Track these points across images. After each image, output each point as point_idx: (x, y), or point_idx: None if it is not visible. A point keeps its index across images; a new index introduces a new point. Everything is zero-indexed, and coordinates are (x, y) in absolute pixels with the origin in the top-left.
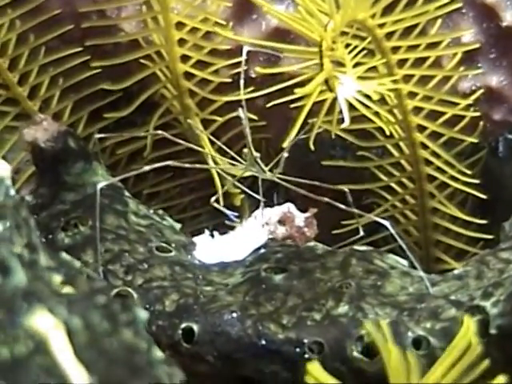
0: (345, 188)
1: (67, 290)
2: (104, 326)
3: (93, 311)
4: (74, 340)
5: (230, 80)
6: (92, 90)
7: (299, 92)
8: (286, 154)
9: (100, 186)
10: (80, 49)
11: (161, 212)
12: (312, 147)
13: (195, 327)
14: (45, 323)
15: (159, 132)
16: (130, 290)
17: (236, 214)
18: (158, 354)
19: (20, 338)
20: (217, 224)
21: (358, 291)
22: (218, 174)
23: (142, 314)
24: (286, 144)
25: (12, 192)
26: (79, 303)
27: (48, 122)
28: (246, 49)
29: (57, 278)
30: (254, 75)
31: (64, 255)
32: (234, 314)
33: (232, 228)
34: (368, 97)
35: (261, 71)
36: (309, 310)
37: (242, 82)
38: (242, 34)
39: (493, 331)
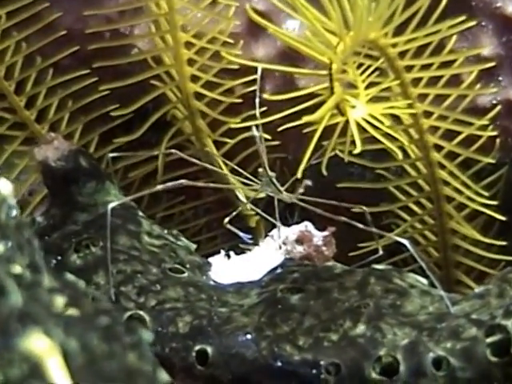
0: (364, 208)
1: (71, 311)
2: (103, 348)
3: (91, 333)
4: (71, 363)
5: (240, 100)
6: (102, 111)
7: (309, 119)
8: (309, 182)
9: (111, 205)
10: (88, 71)
11: (175, 232)
12: (325, 172)
13: (209, 349)
14: (40, 345)
15: (172, 151)
16: (142, 313)
17: (250, 236)
18: (164, 376)
19: (15, 361)
20: (233, 246)
21: (377, 311)
22: (233, 195)
23: (147, 336)
24: (301, 169)
25: (14, 212)
26: (78, 325)
27: (59, 141)
28: (260, 68)
29: (60, 300)
30: (268, 94)
31: (69, 276)
32: (249, 336)
33: (248, 249)
34: (380, 119)
35: (270, 98)
36: (326, 330)
37: (257, 101)
38: (257, 50)
39: None
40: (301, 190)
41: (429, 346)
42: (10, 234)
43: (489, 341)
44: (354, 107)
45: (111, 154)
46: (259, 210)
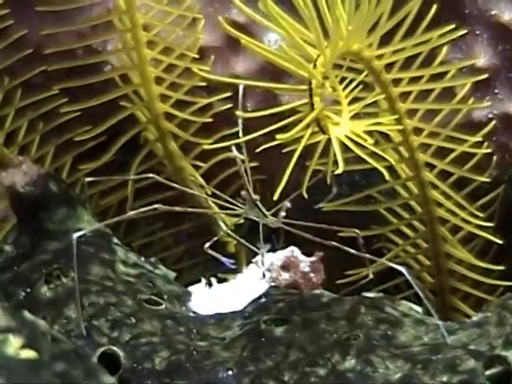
0: (357, 231)
1: (27, 353)
2: None
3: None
4: None
5: (211, 120)
6: (72, 134)
7: (284, 137)
8: (288, 204)
9: (77, 235)
10: (57, 91)
11: (153, 260)
12: (305, 195)
13: None
14: None
15: (150, 175)
16: (115, 348)
17: (232, 260)
18: None
19: None
20: (216, 273)
21: (367, 343)
22: (214, 220)
23: (109, 381)
24: (278, 191)
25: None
26: (31, 372)
27: (27, 165)
28: (241, 86)
29: (16, 341)
30: (250, 110)
31: (27, 314)
32: (230, 372)
33: (230, 277)
34: (363, 137)
35: (244, 115)
36: (312, 364)
37: (240, 120)
38: (236, 64)
39: None
40: (283, 214)
41: (423, 379)
42: None
43: (488, 373)
44: (336, 124)
45: (87, 179)
46: (239, 238)
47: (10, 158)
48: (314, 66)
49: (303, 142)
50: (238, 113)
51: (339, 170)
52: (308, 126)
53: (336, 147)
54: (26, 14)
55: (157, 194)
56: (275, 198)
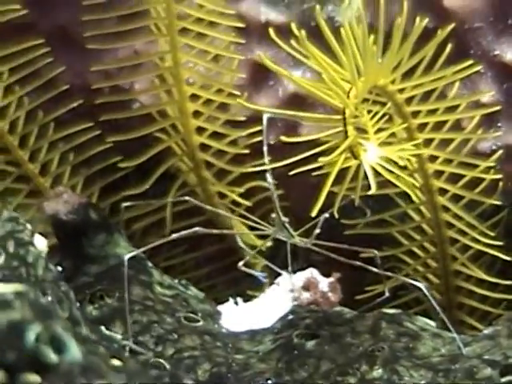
0: (375, 252)
1: (115, 363)
2: None
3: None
4: None
5: (247, 151)
6: (104, 164)
7: (324, 161)
8: (318, 230)
9: (128, 256)
10: (91, 124)
11: (184, 282)
12: (336, 215)
13: None
14: None
15: (187, 198)
16: (161, 360)
17: (265, 274)
18: None
19: None
20: (232, 294)
21: (392, 354)
22: (235, 243)
23: None
24: (317, 208)
25: (50, 266)
26: (137, 377)
27: (68, 194)
28: (266, 116)
29: (103, 352)
30: (272, 142)
31: (103, 329)
32: (269, 382)
33: (250, 297)
34: (394, 162)
35: (286, 140)
36: (343, 374)
37: (265, 148)
38: (259, 101)
39: None
40: (317, 231)
41: None
42: (47, 287)
43: (504, 380)
44: (365, 151)
45: (125, 204)
46: (266, 260)
47: (45, 188)
48: (348, 97)
49: (337, 167)
50: (282, 138)
51: (371, 192)
52: (342, 152)
53: (368, 171)
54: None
55: (186, 220)
56: (313, 214)
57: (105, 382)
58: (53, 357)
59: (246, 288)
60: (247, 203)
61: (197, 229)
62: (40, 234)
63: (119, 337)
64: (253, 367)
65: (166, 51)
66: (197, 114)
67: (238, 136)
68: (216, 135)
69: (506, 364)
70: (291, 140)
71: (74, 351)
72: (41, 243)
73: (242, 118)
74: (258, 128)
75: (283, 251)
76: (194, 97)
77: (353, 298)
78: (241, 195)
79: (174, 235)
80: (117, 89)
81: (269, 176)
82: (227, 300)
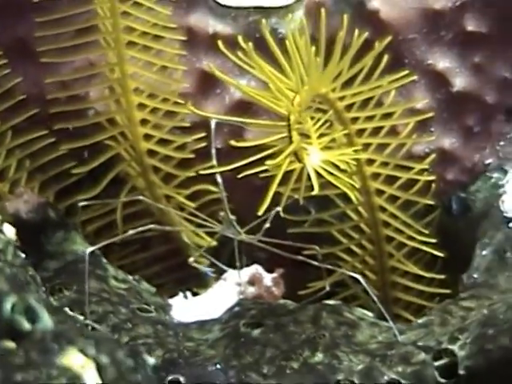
0: (317, 248)
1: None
2: (129, 362)
3: (118, 350)
4: (104, 375)
5: (192, 156)
6: (58, 170)
7: (270, 164)
8: (267, 225)
9: (89, 250)
10: (46, 132)
11: (137, 277)
12: (282, 214)
13: (182, 379)
14: (77, 361)
15: (140, 197)
16: None
17: (212, 269)
18: None
19: (55, 376)
20: (183, 289)
21: (332, 341)
22: (183, 243)
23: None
24: (263, 207)
25: (19, 252)
26: (106, 342)
27: (28, 195)
28: (213, 122)
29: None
30: (219, 147)
31: (67, 310)
32: (218, 366)
33: (198, 294)
34: (334, 165)
35: (235, 144)
36: (287, 359)
37: (213, 152)
38: (207, 108)
39: (461, 372)
40: (267, 225)
41: (382, 370)
42: (18, 272)
43: (437, 364)
44: (309, 155)
45: (81, 203)
46: (212, 258)
47: (3, 192)
48: (292, 104)
49: (282, 170)
50: (232, 142)
51: (315, 192)
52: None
53: (311, 173)
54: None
55: (135, 222)
56: (260, 213)
57: (75, 346)
58: (27, 325)
59: (194, 286)
60: (192, 205)
61: (152, 226)
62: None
63: (81, 317)
64: (203, 353)
65: (114, 63)
66: (144, 121)
67: (184, 142)
68: (163, 141)
69: (439, 349)
70: (240, 145)
71: (46, 320)
72: (9, 231)
73: (188, 125)
74: (203, 134)
75: (227, 250)
76: (142, 105)
77: (295, 293)
78: (187, 198)
79: (131, 231)
80: (71, 98)
81: (219, 178)
82: (177, 294)
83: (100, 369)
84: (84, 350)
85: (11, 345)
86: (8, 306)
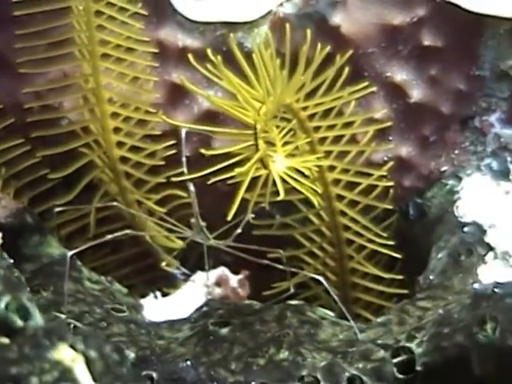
0: (281, 252)
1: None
2: (115, 357)
3: (105, 345)
4: (92, 369)
5: (163, 163)
6: (33, 177)
7: (238, 171)
8: (239, 230)
9: (71, 253)
10: (22, 140)
11: (109, 279)
12: (251, 219)
13: (154, 375)
14: (67, 356)
15: (114, 203)
16: None
17: (181, 271)
18: None
19: (47, 369)
20: (153, 289)
21: (296, 339)
22: (152, 247)
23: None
24: (231, 212)
25: (4, 255)
26: (93, 338)
27: (6, 200)
28: (183, 130)
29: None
30: (188, 154)
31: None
32: (188, 362)
33: (167, 294)
34: (298, 171)
35: (204, 152)
36: (253, 356)
37: (184, 160)
38: (176, 117)
39: (418, 368)
40: (239, 231)
41: (344, 366)
42: (3, 274)
43: (395, 361)
44: (274, 162)
45: (57, 209)
46: (178, 264)
47: None
48: (258, 114)
49: (249, 176)
50: (202, 150)
51: (280, 198)
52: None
53: (277, 179)
54: None
55: (107, 226)
56: (229, 218)
57: (65, 342)
58: (19, 322)
59: (163, 286)
60: (163, 210)
61: (127, 231)
62: None
63: (63, 316)
64: (174, 351)
65: (89, 74)
66: (117, 130)
67: (155, 149)
68: (135, 148)
69: (397, 347)
70: (209, 153)
71: (38, 318)
72: None
73: (159, 133)
74: (173, 141)
75: (196, 252)
76: (115, 114)
77: (260, 293)
78: (157, 203)
79: (109, 236)
80: (46, 108)
81: (190, 184)
82: (148, 295)
83: (89, 362)
84: (73, 344)
85: (5, 341)
86: (2, 304)
